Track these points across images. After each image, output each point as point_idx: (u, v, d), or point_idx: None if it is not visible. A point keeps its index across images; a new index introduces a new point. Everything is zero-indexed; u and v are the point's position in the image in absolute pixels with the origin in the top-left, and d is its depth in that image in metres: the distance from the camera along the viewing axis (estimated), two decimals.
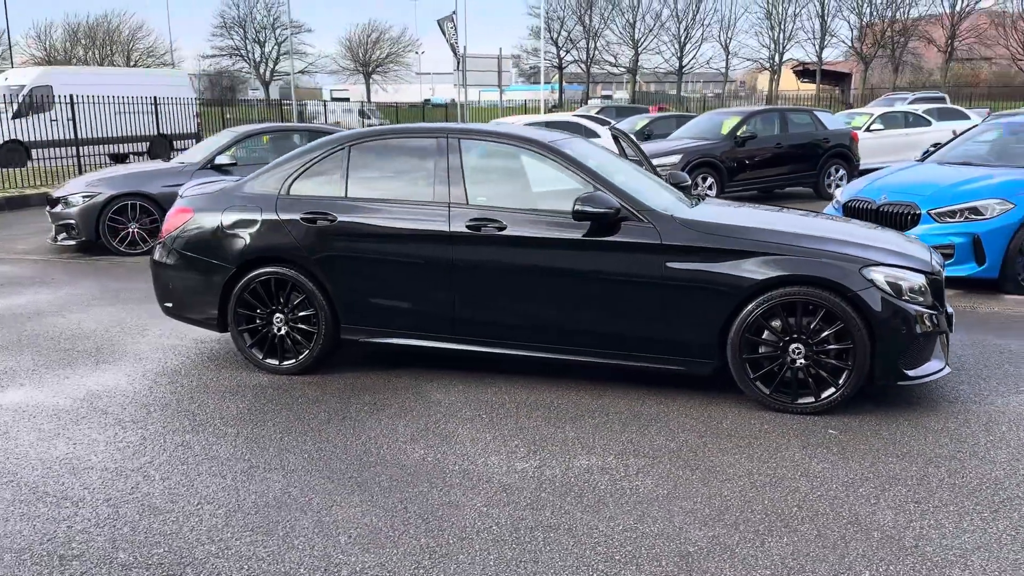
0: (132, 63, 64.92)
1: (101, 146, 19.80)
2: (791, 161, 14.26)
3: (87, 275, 8.56)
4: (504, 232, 4.74)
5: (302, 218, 5.06)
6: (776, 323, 4.44)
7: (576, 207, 4.56)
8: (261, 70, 68.50)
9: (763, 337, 4.48)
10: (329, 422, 4.43)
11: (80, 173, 16.01)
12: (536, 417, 4.48)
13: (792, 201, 13.80)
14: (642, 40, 62.54)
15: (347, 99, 56.77)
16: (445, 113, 40.40)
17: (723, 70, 64.17)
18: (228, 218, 5.22)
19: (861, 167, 15.20)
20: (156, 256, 5.52)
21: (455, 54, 26.43)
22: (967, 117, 20.60)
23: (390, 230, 4.94)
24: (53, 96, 18.98)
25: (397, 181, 5.12)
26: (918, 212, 7.35)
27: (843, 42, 60.48)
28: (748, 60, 64.08)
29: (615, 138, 8.63)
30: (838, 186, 14.56)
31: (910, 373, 4.43)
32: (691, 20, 61.50)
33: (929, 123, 18.73)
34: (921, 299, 4.45)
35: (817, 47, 58.91)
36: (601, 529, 3.28)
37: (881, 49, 56.72)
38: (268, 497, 3.57)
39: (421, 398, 4.80)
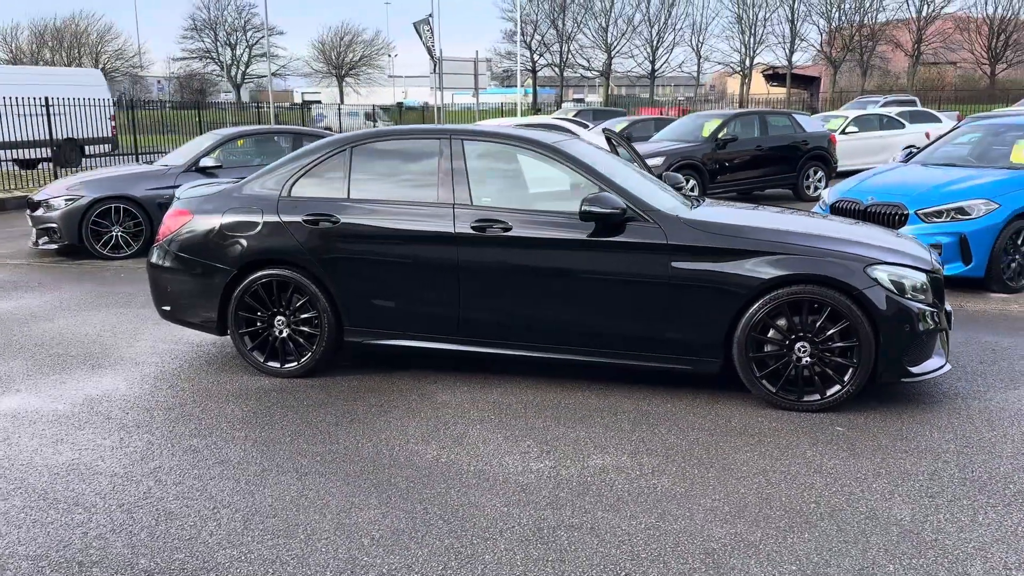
0: (101, 66, 64.11)
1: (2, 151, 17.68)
2: (771, 163, 14.42)
3: (72, 279, 8.42)
4: (510, 233, 4.75)
5: (304, 220, 5.02)
6: (782, 322, 4.49)
7: (583, 207, 4.57)
8: (232, 73, 67.91)
9: (769, 336, 4.52)
10: (338, 424, 4.40)
11: None
12: (545, 417, 4.48)
13: (771, 202, 13.93)
14: (615, 44, 62.85)
15: (319, 102, 56.42)
16: (422, 116, 40.30)
17: (695, 74, 64.67)
18: (228, 220, 5.17)
19: (839, 169, 15.44)
20: (153, 259, 5.44)
21: (432, 57, 26.38)
22: (939, 120, 20.92)
23: (394, 231, 4.92)
24: None
25: (400, 182, 5.10)
26: (906, 212, 7.45)
27: (812, 46, 61.25)
28: (719, 64, 64.71)
29: (608, 140, 8.65)
30: (816, 188, 14.76)
31: (913, 370, 4.49)
32: (663, 24, 61.92)
33: (903, 126, 19.01)
34: (923, 297, 4.52)
35: (787, 51, 59.60)
36: (624, 528, 3.29)
37: (850, 53, 57.49)
38: (285, 500, 3.54)
39: (427, 399, 4.78)
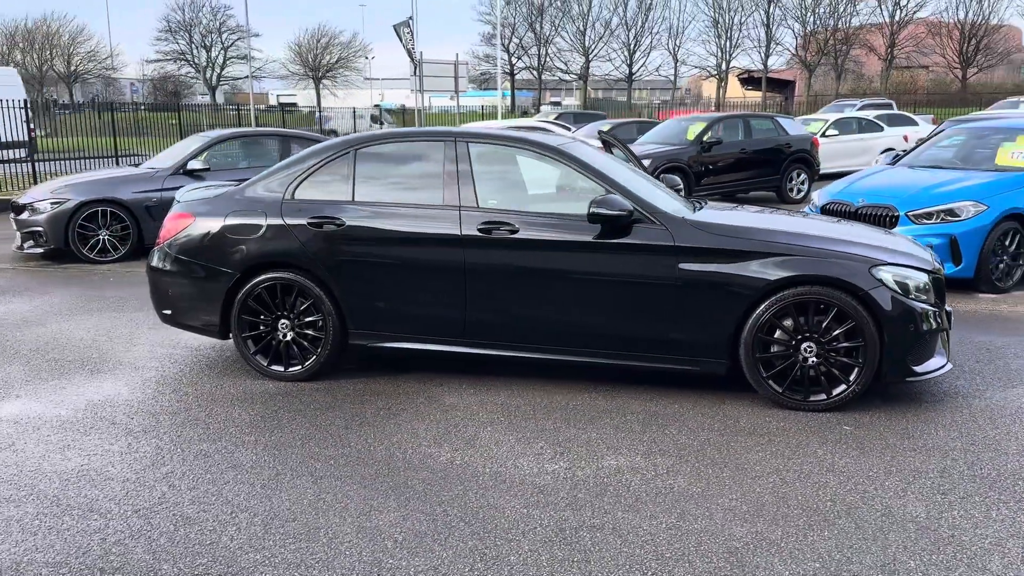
0: (73, 68, 63.35)
1: None
2: (755, 166, 14.54)
3: (59, 284, 8.32)
4: (516, 235, 4.75)
5: (308, 222, 5.00)
6: (788, 322, 4.53)
7: (591, 209, 4.59)
8: (207, 75, 67.34)
9: (775, 336, 4.56)
10: (348, 427, 4.39)
11: None
12: (555, 419, 4.50)
13: (755, 204, 14.04)
14: (592, 47, 63.11)
15: (295, 104, 56.08)
16: (402, 119, 40.19)
17: (671, 77, 65.06)
18: (231, 223, 5.13)
19: (820, 171, 15.60)
20: (154, 262, 5.39)
21: (412, 59, 26.31)
22: (916, 123, 21.24)
23: (400, 234, 4.92)
24: None
25: (405, 185, 5.09)
26: (896, 214, 7.55)
27: (788, 50, 61.85)
28: (696, 67, 65.14)
29: (604, 142, 8.68)
30: (800, 190, 14.92)
31: (917, 369, 4.55)
32: (640, 28, 62.26)
33: (881, 128, 19.26)
34: (926, 297, 4.58)
35: (763, 55, 60.14)
36: (645, 528, 3.31)
37: (824, 57, 58.12)
38: (303, 504, 3.52)
39: (434, 402, 4.77)
